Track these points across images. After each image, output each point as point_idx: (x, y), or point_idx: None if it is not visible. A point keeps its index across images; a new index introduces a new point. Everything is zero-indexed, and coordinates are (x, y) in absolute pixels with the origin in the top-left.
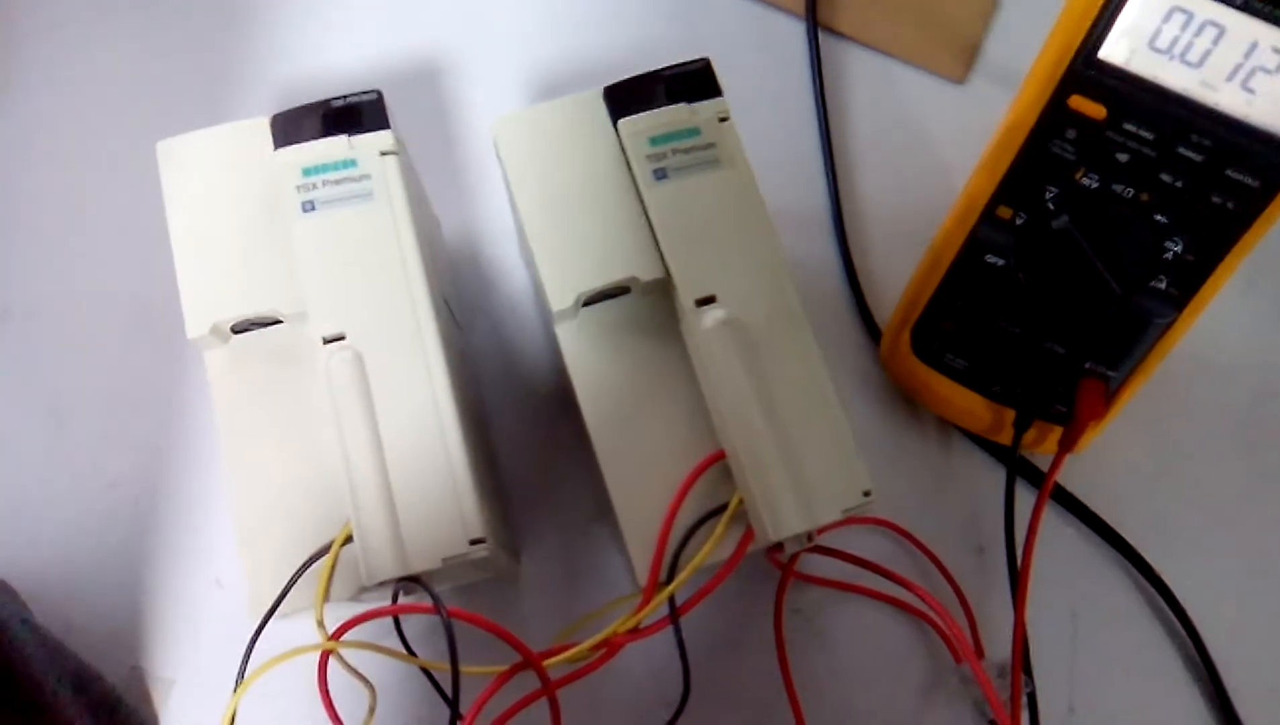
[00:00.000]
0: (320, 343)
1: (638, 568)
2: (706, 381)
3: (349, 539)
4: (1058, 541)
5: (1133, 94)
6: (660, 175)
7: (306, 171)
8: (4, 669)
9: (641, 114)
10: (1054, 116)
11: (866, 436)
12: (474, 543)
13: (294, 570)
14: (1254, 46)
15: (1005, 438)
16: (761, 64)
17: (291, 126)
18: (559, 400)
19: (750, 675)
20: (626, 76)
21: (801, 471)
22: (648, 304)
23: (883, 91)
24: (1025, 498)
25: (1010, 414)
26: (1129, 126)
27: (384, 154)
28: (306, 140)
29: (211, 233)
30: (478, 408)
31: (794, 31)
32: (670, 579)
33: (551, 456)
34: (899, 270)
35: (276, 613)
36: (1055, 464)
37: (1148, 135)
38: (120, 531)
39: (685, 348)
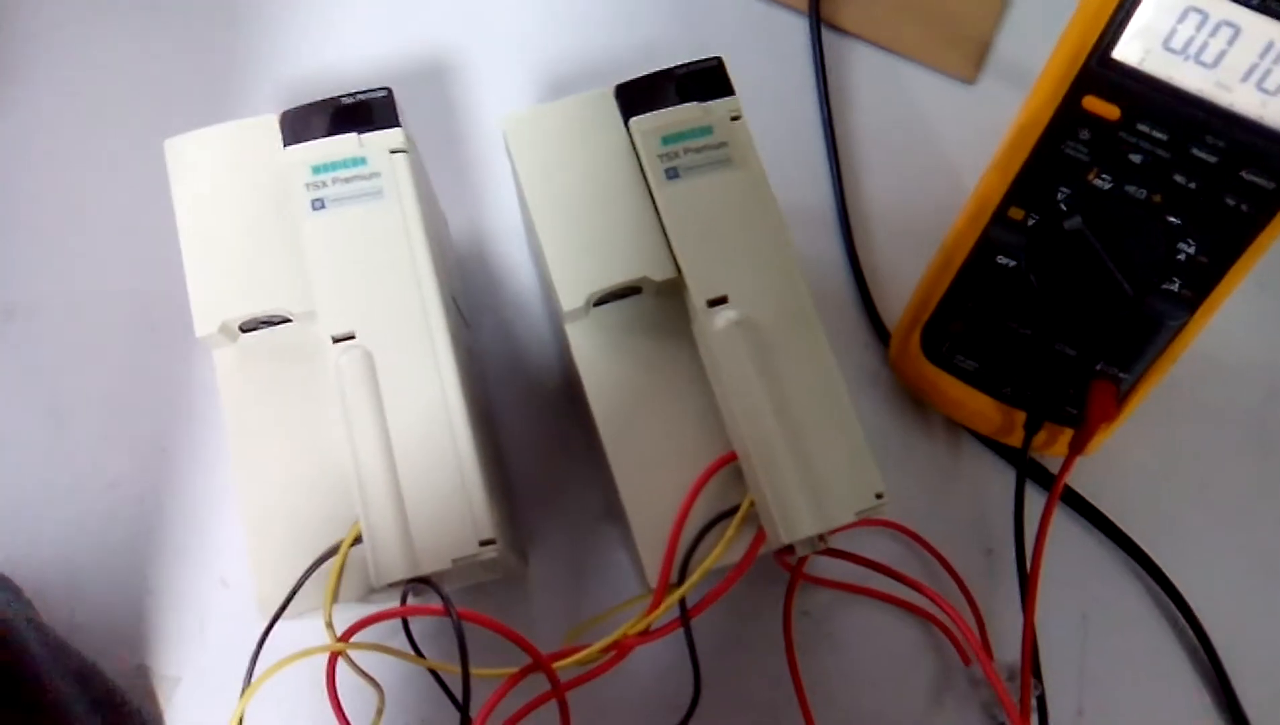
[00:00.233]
0: (330, 341)
1: (648, 570)
2: (718, 382)
3: (358, 539)
4: (1067, 544)
5: (1147, 94)
6: (672, 174)
7: (316, 169)
8: (7, 667)
9: (653, 112)
10: (1067, 117)
11: (874, 438)
12: (484, 544)
13: (302, 571)
14: (1270, 47)
15: (1015, 440)
16: (768, 62)
17: (301, 124)
18: (566, 399)
19: (759, 677)
20: (632, 75)
21: (814, 473)
22: (659, 304)
23: (891, 90)
24: (1035, 500)
25: (1020, 416)
26: (1142, 127)
27: (394, 152)
28: (316, 138)
29: (220, 231)
30: (485, 407)
31: (800, 29)
32: (681, 581)
33: (559, 456)
34: (907, 270)
35: (284, 613)
36: (1066, 466)
37: (1161, 136)
38: (124, 530)
39: (696, 348)
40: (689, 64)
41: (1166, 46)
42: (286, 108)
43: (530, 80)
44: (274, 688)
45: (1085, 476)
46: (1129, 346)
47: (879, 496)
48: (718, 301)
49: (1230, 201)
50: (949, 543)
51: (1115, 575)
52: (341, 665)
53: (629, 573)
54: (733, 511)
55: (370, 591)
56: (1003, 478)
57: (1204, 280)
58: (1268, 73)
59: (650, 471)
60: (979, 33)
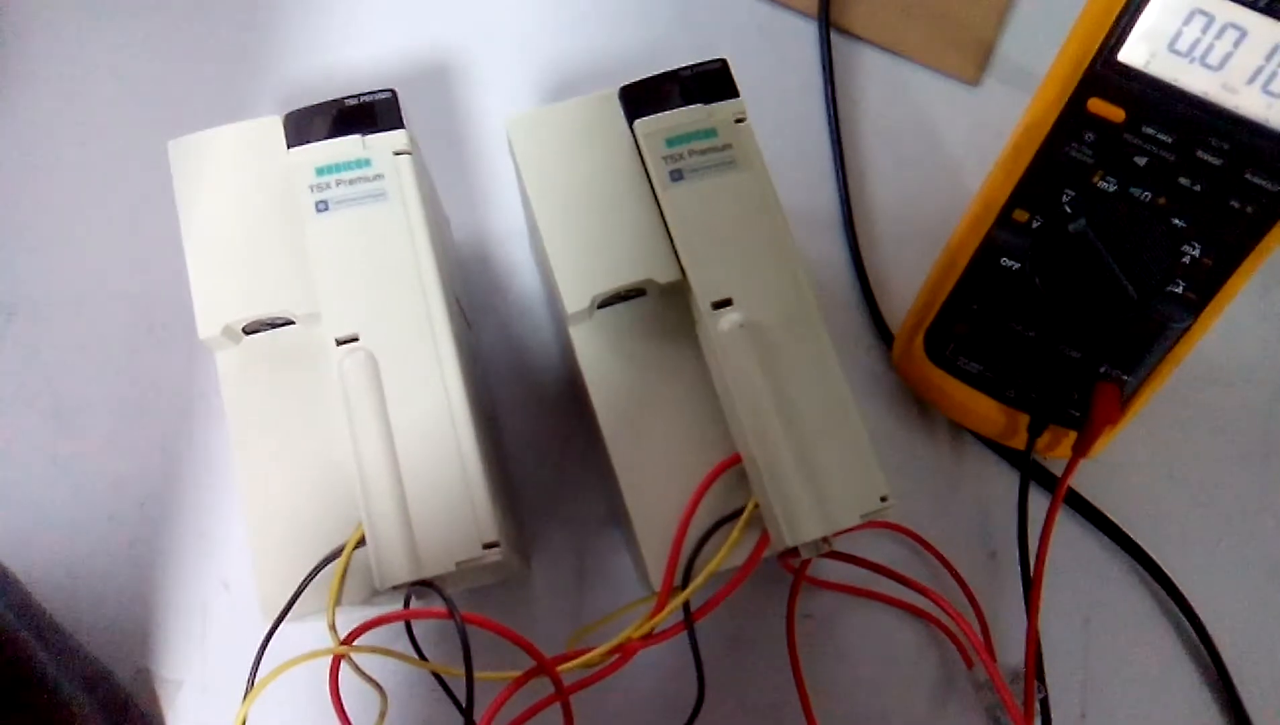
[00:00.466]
0: (333, 344)
1: (652, 572)
2: (722, 385)
3: (361, 542)
4: (1071, 546)
5: (1152, 97)
6: (677, 176)
7: (320, 171)
8: (13, 669)
9: (658, 114)
10: (1072, 119)
11: (877, 440)
12: (487, 546)
13: (305, 573)
14: (1276, 49)
15: (1019, 442)
16: (772, 64)
17: (304, 125)
18: (569, 401)
19: (762, 680)
20: (637, 77)
21: (818, 476)
22: (663, 306)
23: (894, 92)
24: (1038, 502)
25: (1024, 418)
26: (1148, 130)
27: (398, 154)
28: (320, 139)
29: (223, 233)
30: (488, 409)
31: (804, 31)
32: (685, 584)
33: (562, 459)
34: (910, 272)
35: (287, 616)
36: (1069, 469)
37: (1166, 138)
38: (127, 533)
39: (701, 351)
40: (693, 66)
41: (1172, 49)
42: (290, 109)
43: (534, 82)
44: (277, 690)
45: (1089, 479)
46: (1133, 349)
47: (884, 499)
48: (722, 304)
49: (1235, 204)
50: (952, 545)
51: (1119, 578)
52: (344, 668)
53: (632, 575)
54: (737, 514)
55: (373, 594)
56: (1006, 480)
57: (1209, 283)
58: (1273, 75)
59: (654, 474)
60: (982, 35)
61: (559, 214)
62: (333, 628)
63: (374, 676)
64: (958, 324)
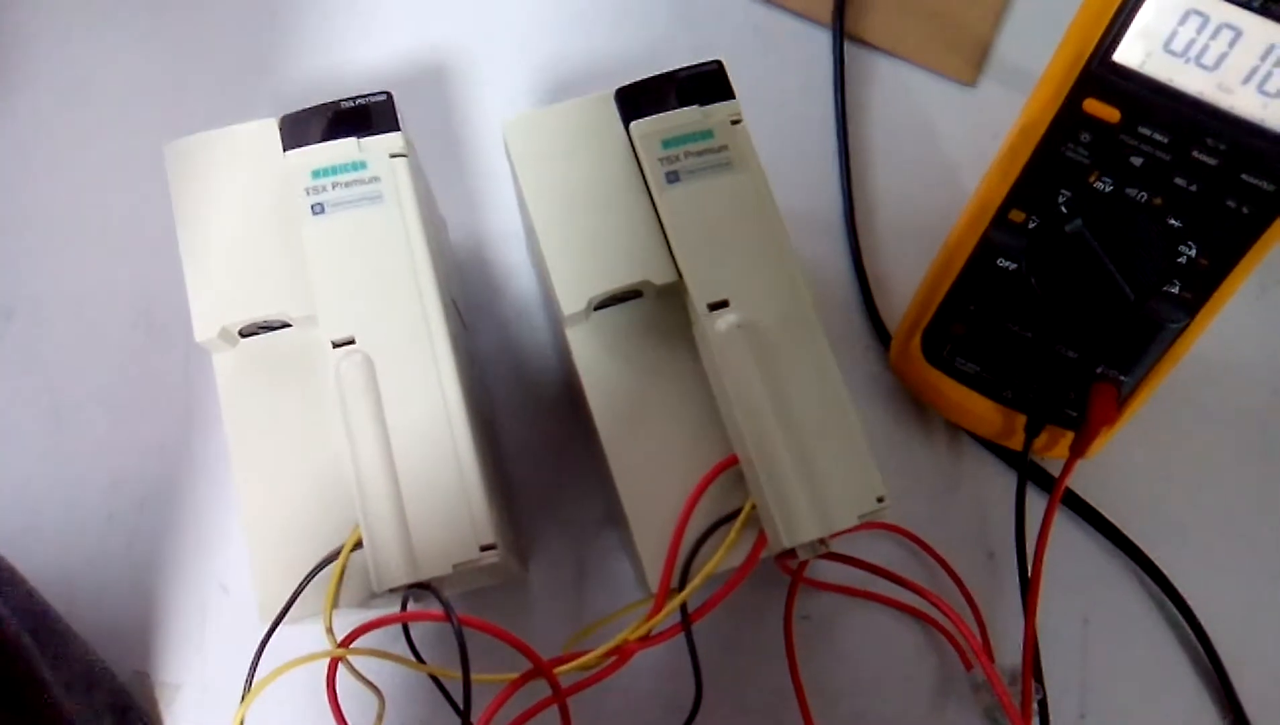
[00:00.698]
0: (330, 346)
1: (649, 574)
2: (719, 386)
3: (358, 544)
4: (1069, 547)
5: (1147, 97)
6: (673, 178)
7: (316, 173)
8: (10, 670)
9: (654, 116)
10: (1068, 120)
11: (875, 441)
12: (485, 549)
13: (302, 576)
14: (1271, 49)
15: (1016, 443)
16: (769, 65)
17: (300, 128)
18: (566, 403)
19: (760, 681)
20: (634, 79)
21: (815, 477)
22: (659, 308)
23: (892, 93)
24: (1036, 503)
25: (1021, 419)
26: (1143, 130)
27: (394, 156)
28: (316, 142)
29: (220, 235)
30: (485, 411)
31: (804, 32)
32: (682, 585)
33: (559, 461)
34: (908, 273)
35: (284, 619)
36: (1066, 469)
37: (1162, 139)
38: (124, 535)
39: (697, 352)
40: (689, 67)
41: (1167, 49)
42: (286, 112)
43: (531, 83)
44: (275, 693)
45: (1086, 479)
46: (1130, 349)
47: (880, 500)
48: (719, 305)
49: (1231, 204)
50: (950, 546)
51: (1117, 578)
52: (342, 670)
53: (629, 577)
54: (734, 515)
55: (370, 597)
56: (1004, 481)
57: (1205, 283)
58: (1269, 75)
59: (651, 476)
60: (979, 36)
61: (555, 216)
62: (330, 630)
63: (371, 679)
64: (955, 324)
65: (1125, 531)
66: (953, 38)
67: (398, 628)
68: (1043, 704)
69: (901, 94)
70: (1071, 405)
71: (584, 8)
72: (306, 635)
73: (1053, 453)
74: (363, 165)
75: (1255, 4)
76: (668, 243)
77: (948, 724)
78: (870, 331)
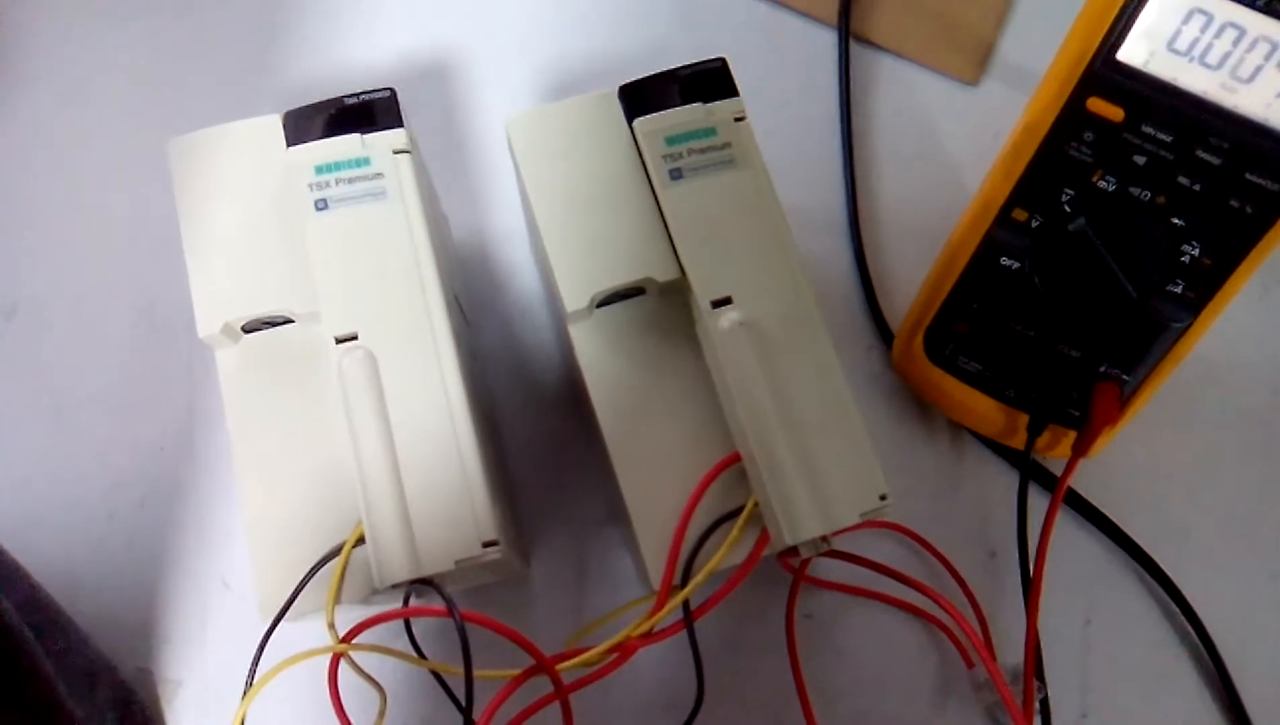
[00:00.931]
0: (333, 342)
1: (652, 571)
2: (722, 383)
3: (360, 540)
4: (1071, 546)
5: (1151, 96)
6: (676, 175)
7: (319, 170)
8: (12, 664)
9: (657, 113)
10: (1071, 118)
11: (877, 439)
12: (487, 545)
13: (304, 572)
14: (1275, 48)
15: (1018, 442)
16: (772, 64)
17: (304, 124)
18: (568, 400)
19: (761, 679)
20: (637, 76)
21: (818, 475)
22: (663, 305)
23: (895, 92)
24: (1038, 502)
25: (1024, 418)
26: (1147, 129)
27: (397, 152)
28: (319, 138)
29: (223, 231)
30: (487, 408)
31: (806, 31)
32: (684, 583)
33: (561, 457)
34: (910, 272)
35: (286, 615)
36: (1069, 468)
37: (1166, 138)
38: (126, 531)
39: (700, 349)
40: (693, 65)
41: (1171, 48)
42: (290, 108)
43: (534, 81)
44: (276, 689)
45: (1088, 479)
46: (1132, 348)
47: (883, 498)
48: (722, 302)
49: (1235, 203)
50: (951, 545)
51: (1118, 578)
52: (343, 666)
53: (631, 574)
54: (736, 513)
55: (372, 593)
56: (1005, 480)
57: (1208, 282)
58: (1273, 75)
59: (654, 473)
60: (982, 35)
61: (558, 213)
62: (332, 626)
63: (373, 675)
64: (957, 323)
65: (1127, 531)
66: (956, 37)
67: (399, 624)
68: (1044, 703)
69: (904, 93)
70: (1074, 404)
71: (586, 6)
72: (308, 631)
73: (1055, 452)
74: (366, 161)
75: (1259, 3)
76: (671, 240)
77: (949, 722)
78: (872, 330)
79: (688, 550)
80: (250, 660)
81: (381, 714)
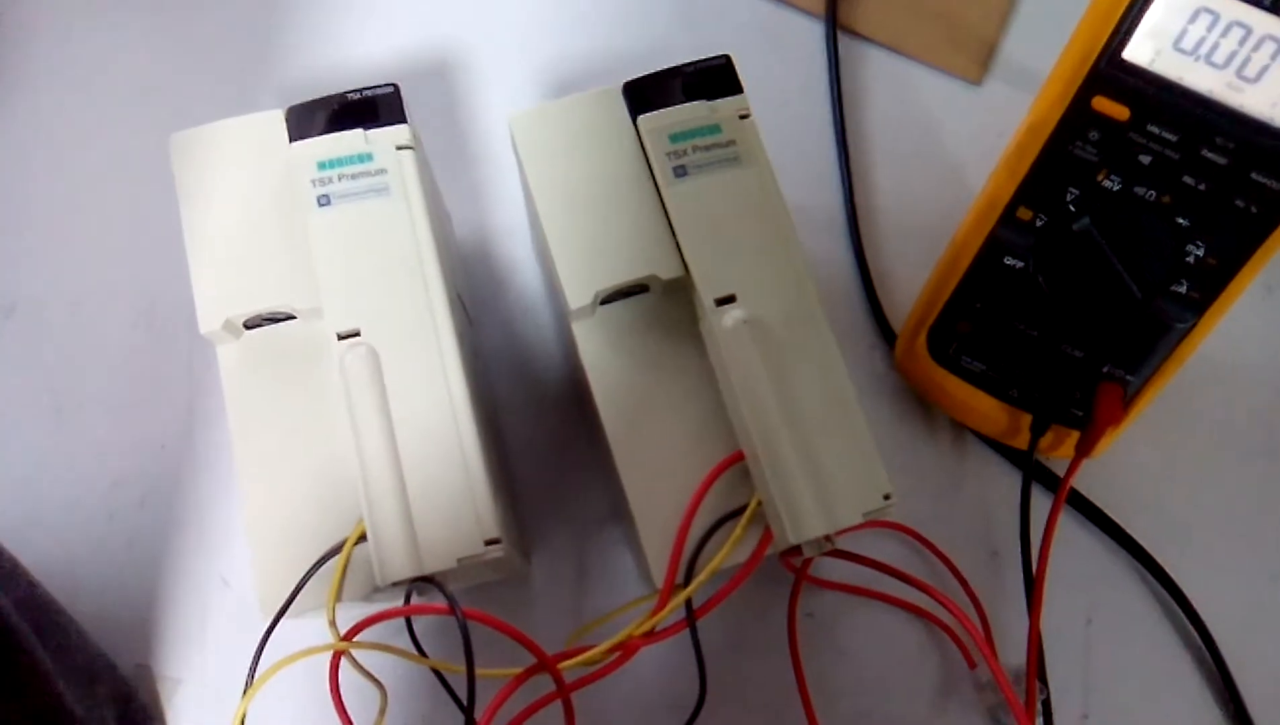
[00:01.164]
0: (335, 339)
1: (654, 570)
2: (725, 382)
3: (362, 538)
4: (1073, 547)
5: (1157, 95)
6: (680, 172)
7: (322, 165)
8: (12, 663)
9: (661, 110)
10: (1076, 117)
11: (878, 439)
12: (489, 543)
13: (305, 569)
14: None
15: (1021, 442)
16: (774, 62)
17: (306, 119)
18: (571, 398)
19: (762, 679)
20: (640, 73)
21: (821, 474)
22: (666, 303)
23: (897, 91)
24: (1040, 502)
25: (1026, 418)
26: (1152, 128)
27: (400, 148)
28: (322, 133)
29: (225, 227)
30: (489, 405)
31: (806, 29)
32: (687, 581)
33: (563, 455)
34: (912, 271)
35: (287, 613)
36: (1072, 468)
37: (1171, 137)
38: (126, 528)
39: (704, 347)
40: (697, 62)
41: (1177, 47)
42: (292, 103)
43: (536, 78)
44: (277, 687)
45: (1091, 479)
46: (1136, 349)
47: (886, 497)
48: (726, 300)
49: (1240, 203)
50: (953, 545)
51: (1121, 579)
52: (344, 664)
53: (633, 572)
54: (739, 512)
55: (373, 590)
56: (1008, 480)
57: (1213, 282)
58: None
59: (657, 471)
60: (985, 34)
61: (562, 210)
62: (333, 624)
63: (374, 673)
64: (961, 323)
65: (1129, 531)
66: (958, 36)
67: (400, 621)
68: (1046, 704)
69: (907, 92)
70: (1077, 405)
71: (587, 4)
72: (308, 629)
73: (1058, 452)
74: (369, 157)
75: (1266, 2)
76: (675, 237)
77: (950, 723)
78: (874, 329)
79: (690, 549)
80: (250, 657)
81: (382, 712)
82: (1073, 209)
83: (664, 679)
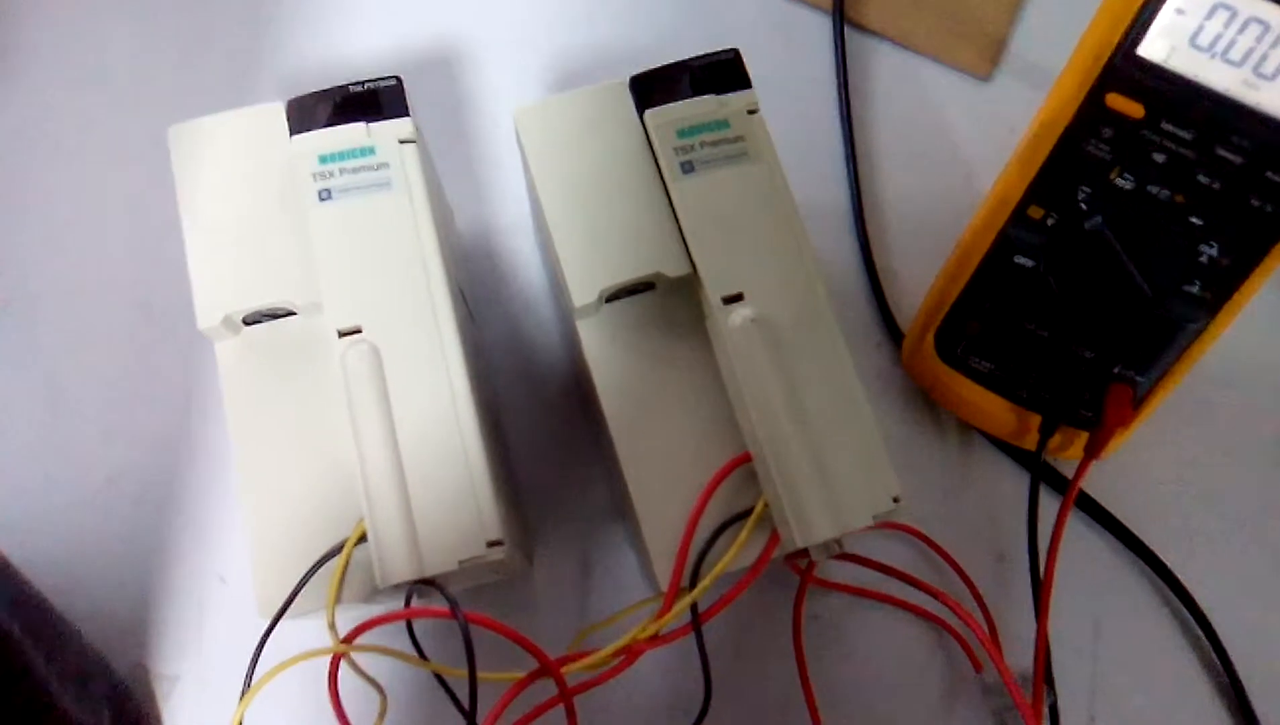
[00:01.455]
0: (335, 335)
1: (659, 573)
2: (732, 381)
3: (362, 539)
4: (1081, 549)
5: (1172, 93)
6: (688, 168)
7: (323, 159)
8: (3, 665)
9: (669, 105)
10: (1090, 115)
11: (885, 439)
12: (491, 545)
13: (304, 570)
14: None
15: (1029, 443)
16: (781, 56)
17: (308, 112)
18: (574, 397)
19: (768, 682)
20: (646, 67)
21: (830, 476)
22: (672, 301)
23: (905, 87)
24: (1048, 504)
25: (1035, 419)
26: (1167, 126)
27: (403, 142)
28: (323, 126)
29: (224, 221)
30: (492, 404)
31: (814, 24)
32: (692, 585)
33: (565, 455)
34: (919, 269)
35: (285, 614)
36: (1080, 470)
37: (1186, 135)
38: (123, 525)
39: (711, 346)
40: (705, 56)
41: (1193, 44)
42: (294, 95)
43: (540, 72)
44: (274, 689)
45: (1100, 481)
46: (1147, 349)
47: (896, 500)
48: (733, 299)
49: (1255, 203)
50: (960, 547)
51: (1129, 582)
52: (343, 667)
53: (636, 573)
54: (746, 514)
55: (373, 592)
56: (1016, 481)
57: (1226, 283)
58: None
59: (662, 472)
60: (994, 29)
61: (567, 206)
62: (332, 626)
63: (374, 676)
64: (970, 322)
65: (1139, 534)
66: (967, 31)
67: (399, 624)
68: (1053, 708)
69: (915, 87)
70: (1086, 405)
71: None
72: (307, 630)
73: (1066, 453)
74: (371, 151)
75: None
76: (682, 234)
77: None
78: (880, 327)
79: (696, 552)
80: (247, 655)
81: (382, 715)
82: (1084, 207)
83: (667, 681)
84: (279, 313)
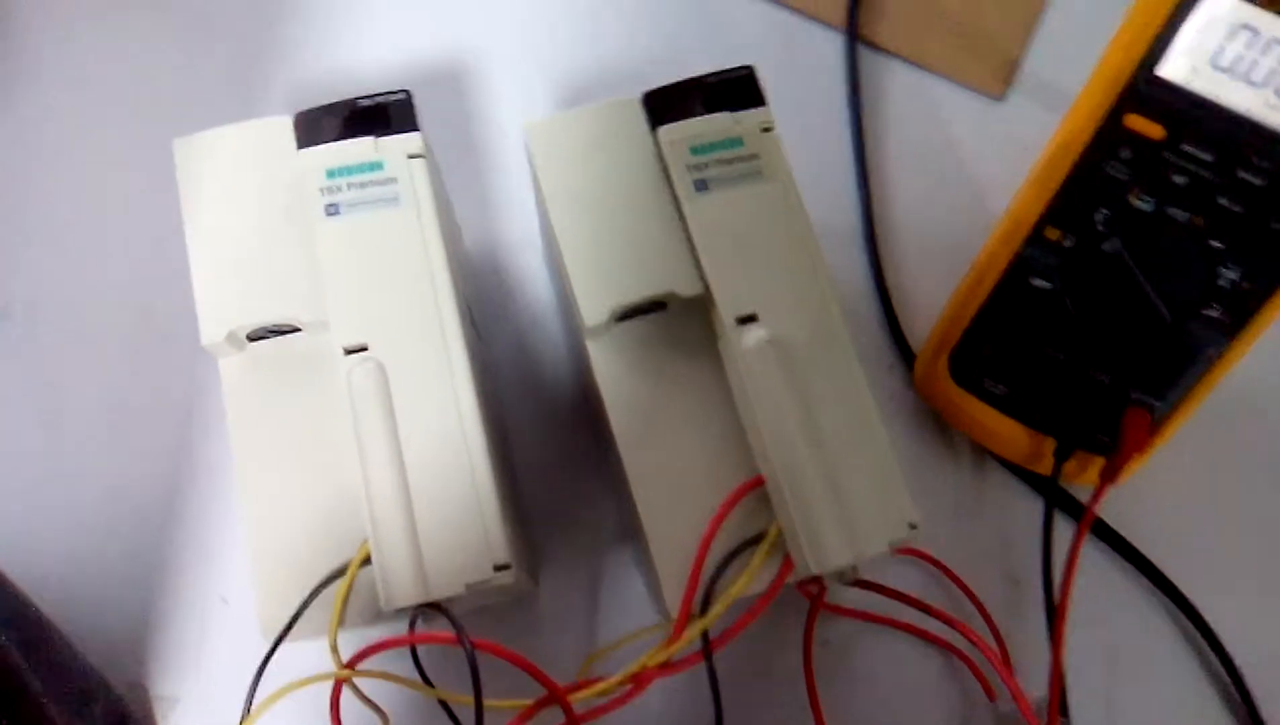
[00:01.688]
0: (341, 353)
1: (669, 598)
2: (745, 403)
3: (366, 560)
4: (1096, 576)
5: (1193, 114)
6: (701, 186)
7: (330, 173)
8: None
9: (682, 122)
10: (1109, 135)
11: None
12: (499, 568)
13: (307, 592)
14: None
15: (1044, 467)
16: (793, 74)
17: (315, 126)
18: (583, 417)
19: (777, 708)
20: (656, 84)
21: (845, 501)
22: (684, 321)
23: (918, 106)
24: (1063, 530)
25: (1050, 443)
26: (1187, 148)
27: (412, 157)
28: (331, 140)
29: (229, 235)
30: (499, 423)
31: (826, 41)
32: (703, 611)
33: (573, 475)
34: (932, 290)
35: (287, 637)
36: (1096, 496)
37: (1207, 157)
38: (122, 544)
39: (723, 367)
40: (719, 72)
41: (1215, 65)
42: (301, 109)
43: (551, 87)
44: (276, 712)
45: (1116, 507)
46: (1165, 374)
47: (912, 526)
48: (747, 319)
49: (1276, 226)
50: (973, 572)
51: (1145, 609)
52: (346, 692)
53: (644, 597)
54: (758, 538)
55: (377, 616)
56: (1030, 506)
57: (1245, 307)
58: None
59: (673, 495)
60: (1008, 48)
61: (577, 223)
62: (335, 650)
63: (377, 701)
64: (984, 344)
65: (1155, 562)
66: (981, 49)
67: (404, 648)
68: None
69: (927, 106)
70: (1103, 430)
71: (607, 14)
72: (310, 652)
73: (1081, 479)
74: (379, 166)
75: None
76: (695, 253)
77: None
78: (892, 349)
79: (707, 577)
80: (248, 676)
81: None
82: (1102, 229)
83: (674, 707)
84: (284, 329)
